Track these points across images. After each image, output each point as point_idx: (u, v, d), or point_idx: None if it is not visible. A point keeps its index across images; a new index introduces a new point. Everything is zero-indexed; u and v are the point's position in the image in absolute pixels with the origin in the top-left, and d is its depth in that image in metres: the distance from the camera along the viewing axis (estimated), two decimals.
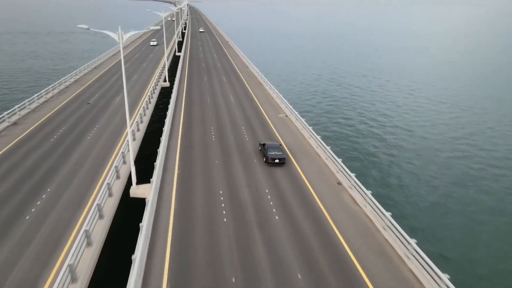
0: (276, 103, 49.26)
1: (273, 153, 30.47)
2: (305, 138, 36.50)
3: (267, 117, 43.15)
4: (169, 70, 70.73)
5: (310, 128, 36.01)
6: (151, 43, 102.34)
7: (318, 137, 33.45)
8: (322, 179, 28.32)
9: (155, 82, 53.61)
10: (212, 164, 30.34)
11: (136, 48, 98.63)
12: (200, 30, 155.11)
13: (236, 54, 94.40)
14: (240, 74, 68.66)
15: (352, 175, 26.05)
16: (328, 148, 30.97)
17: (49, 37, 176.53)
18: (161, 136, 34.13)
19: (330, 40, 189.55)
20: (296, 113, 41.61)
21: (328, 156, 30.73)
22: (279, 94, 50.38)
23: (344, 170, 27.45)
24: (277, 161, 30.12)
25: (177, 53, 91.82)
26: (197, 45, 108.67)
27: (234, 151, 33.06)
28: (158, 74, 62.86)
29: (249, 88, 57.71)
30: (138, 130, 37.11)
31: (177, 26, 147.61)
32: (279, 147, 31.36)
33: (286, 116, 43.83)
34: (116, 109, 43.85)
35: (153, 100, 47.92)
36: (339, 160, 28.70)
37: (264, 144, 31.95)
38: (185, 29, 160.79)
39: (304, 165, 30.72)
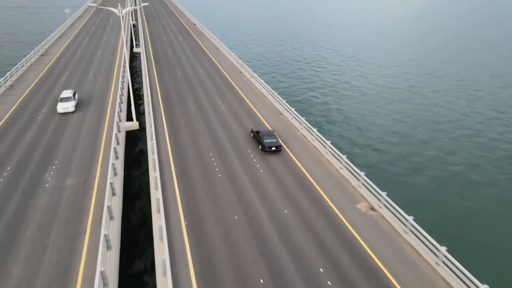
0: (345, 179, 29.02)
1: (269, 140, 30.46)
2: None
3: (344, 220, 23.13)
4: (128, 83, 47.66)
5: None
6: (60, 111, 36.72)
7: None
8: None
9: (116, 124, 31.10)
10: None
11: (75, 42, 72.18)
12: None
13: (215, 46, 71.46)
14: (240, 91, 46.90)
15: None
16: None
17: None
18: None
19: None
20: (393, 204, 22.66)
21: None
22: (346, 161, 30.22)
23: None
24: (273, 148, 30.22)
25: (135, 49, 67.10)
26: (158, 32, 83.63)
27: None
28: (116, 98, 40.01)
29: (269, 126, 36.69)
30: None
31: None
32: (273, 134, 31.23)
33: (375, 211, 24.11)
34: (45, 227, 21.62)
35: (119, 180, 25.90)
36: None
37: (258, 132, 31.70)
38: (135, 5, 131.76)
39: None
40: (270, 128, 34.90)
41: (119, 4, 44.27)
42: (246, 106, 41.08)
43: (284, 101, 39.09)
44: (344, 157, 27.61)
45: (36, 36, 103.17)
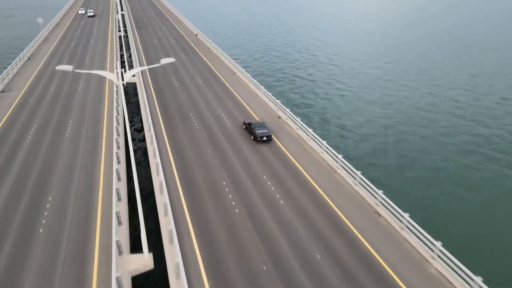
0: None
1: (260, 131, 32.55)
2: None
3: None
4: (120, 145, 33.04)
5: None
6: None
7: None
8: None
9: (114, 280, 16.39)
10: None
11: (49, 67, 56.25)
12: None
13: (229, 69, 56.43)
14: (290, 156, 31.97)
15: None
16: None
17: None
18: None
19: None
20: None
21: None
22: None
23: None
24: (264, 138, 32.25)
25: (128, 79, 51.62)
26: (154, 47, 67.98)
27: None
28: (112, 193, 25.22)
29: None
30: None
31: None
32: (264, 125, 33.44)
33: None
34: None
35: None
36: None
37: (250, 124, 33.66)
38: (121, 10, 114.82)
39: None
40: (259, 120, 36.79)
41: (116, 64, 29.46)
42: (307, 185, 26.43)
43: (405, 216, 22.10)
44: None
45: (3, 49, 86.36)
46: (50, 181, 26.56)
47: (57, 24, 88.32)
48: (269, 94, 42.70)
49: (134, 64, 56.17)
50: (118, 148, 30.19)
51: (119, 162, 28.40)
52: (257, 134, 32.22)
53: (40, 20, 76.49)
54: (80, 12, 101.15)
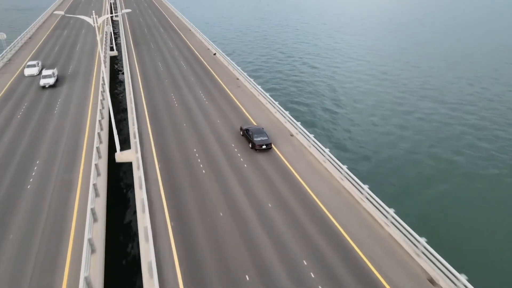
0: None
1: (259, 138, 29.28)
2: None
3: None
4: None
5: None
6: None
7: None
8: None
9: None
10: None
11: None
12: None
13: (284, 128, 36.30)
14: None
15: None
16: None
17: None
18: None
19: None
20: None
21: None
22: None
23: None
24: (264, 146, 29.00)
25: (119, 156, 30.34)
26: (158, 77, 47.63)
27: None
28: None
29: None
30: None
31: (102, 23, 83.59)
32: (263, 132, 30.07)
33: None
34: None
35: None
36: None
37: (247, 130, 30.47)
38: (115, 15, 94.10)
39: None
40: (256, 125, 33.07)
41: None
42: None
43: None
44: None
45: None
46: None
47: (30, 38, 67.91)
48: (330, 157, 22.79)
49: (129, 116, 35.97)
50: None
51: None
52: (256, 142, 29.10)
53: (2, 36, 56.27)
54: (27, 71, 46.40)
